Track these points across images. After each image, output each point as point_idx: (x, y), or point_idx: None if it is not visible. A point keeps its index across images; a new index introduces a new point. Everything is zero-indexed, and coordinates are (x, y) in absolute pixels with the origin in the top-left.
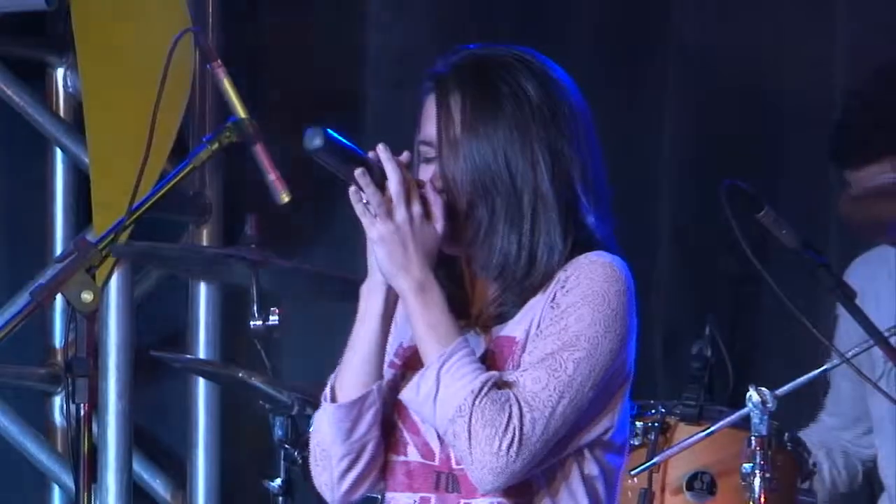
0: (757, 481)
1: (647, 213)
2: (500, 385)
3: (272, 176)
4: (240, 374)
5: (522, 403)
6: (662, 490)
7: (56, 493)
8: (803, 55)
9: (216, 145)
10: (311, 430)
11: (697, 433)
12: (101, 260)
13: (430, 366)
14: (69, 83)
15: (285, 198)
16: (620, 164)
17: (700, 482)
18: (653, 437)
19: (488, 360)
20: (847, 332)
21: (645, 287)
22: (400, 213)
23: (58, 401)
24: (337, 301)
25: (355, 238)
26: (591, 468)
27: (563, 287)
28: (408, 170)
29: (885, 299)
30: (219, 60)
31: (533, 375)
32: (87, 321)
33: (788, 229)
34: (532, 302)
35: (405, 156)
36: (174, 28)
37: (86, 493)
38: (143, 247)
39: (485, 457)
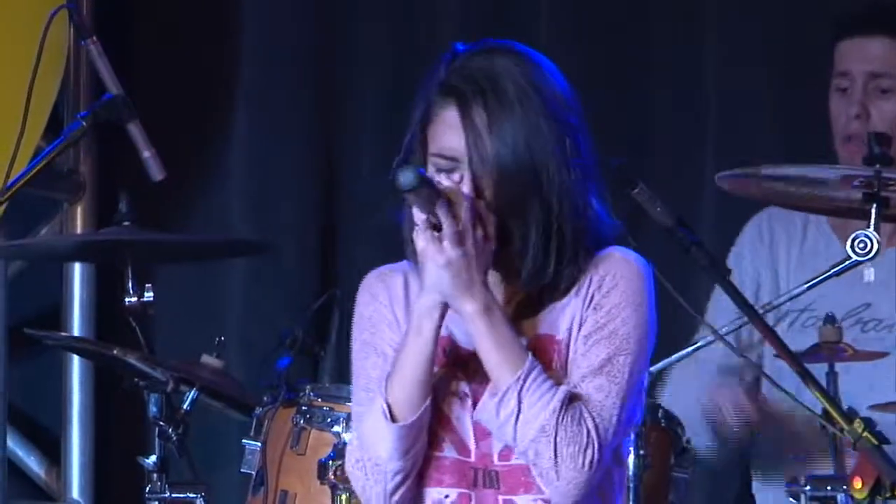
0: (631, 458)
1: None
2: (572, 398)
3: (146, 153)
4: (114, 352)
5: (595, 416)
6: None
7: None
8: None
9: (90, 122)
10: (353, 442)
11: None
12: None
13: (509, 387)
14: None
15: (159, 175)
16: None
17: None
18: None
19: None
20: (719, 304)
21: None
22: (469, 239)
23: None
24: (212, 273)
25: (229, 212)
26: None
27: (599, 288)
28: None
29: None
30: (94, 37)
31: (595, 384)
32: None
33: (663, 207)
34: (565, 301)
35: (458, 178)
36: (49, 4)
37: None
38: (9, 246)
39: (570, 473)
